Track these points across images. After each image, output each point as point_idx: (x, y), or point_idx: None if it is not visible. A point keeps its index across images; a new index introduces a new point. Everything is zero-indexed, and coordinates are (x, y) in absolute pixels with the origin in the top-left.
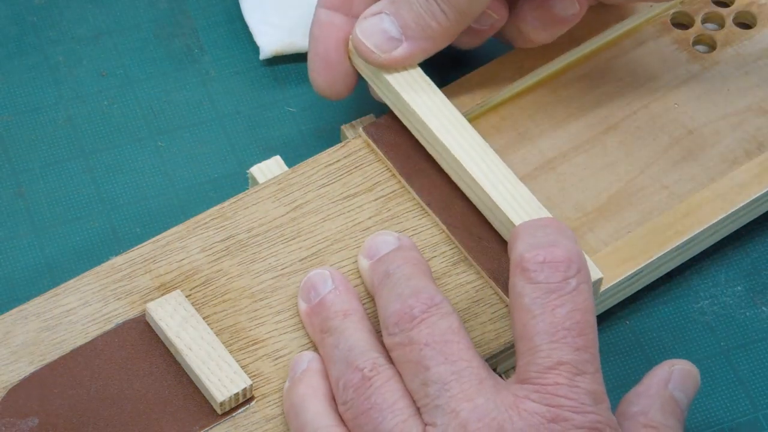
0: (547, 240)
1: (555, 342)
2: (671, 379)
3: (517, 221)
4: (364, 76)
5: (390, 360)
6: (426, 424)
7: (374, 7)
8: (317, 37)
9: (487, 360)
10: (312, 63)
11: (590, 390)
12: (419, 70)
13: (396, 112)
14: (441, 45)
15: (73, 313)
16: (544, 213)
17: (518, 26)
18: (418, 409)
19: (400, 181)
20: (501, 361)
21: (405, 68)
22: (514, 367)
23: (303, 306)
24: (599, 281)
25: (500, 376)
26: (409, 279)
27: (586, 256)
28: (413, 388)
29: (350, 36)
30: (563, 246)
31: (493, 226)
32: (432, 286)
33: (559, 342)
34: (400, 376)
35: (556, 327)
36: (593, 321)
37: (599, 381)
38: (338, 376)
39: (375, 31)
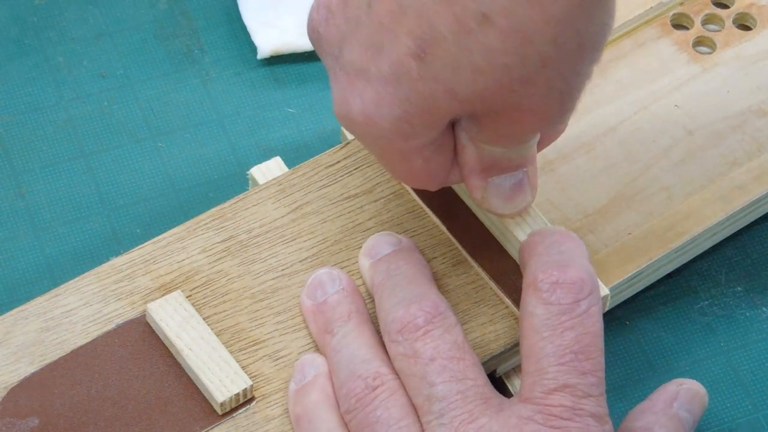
0: (561, 258)
1: (562, 365)
2: (678, 397)
3: (518, 233)
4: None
5: (392, 367)
6: None
7: (488, 171)
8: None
9: (487, 361)
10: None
11: (594, 413)
12: None
13: None
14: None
15: (74, 313)
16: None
17: None
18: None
19: (400, 183)
20: (501, 362)
21: None
22: (514, 369)
23: (308, 303)
24: (606, 297)
25: (500, 378)
26: (410, 282)
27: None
28: (417, 402)
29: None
30: (577, 266)
31: (494, 235)
32: (435, 292)
33: (567, 365)
34: (404, 387)
35: (564, 350)
36: (601, 344)
37: (603, 404)
38: (341, 384)
39: (511, 195)
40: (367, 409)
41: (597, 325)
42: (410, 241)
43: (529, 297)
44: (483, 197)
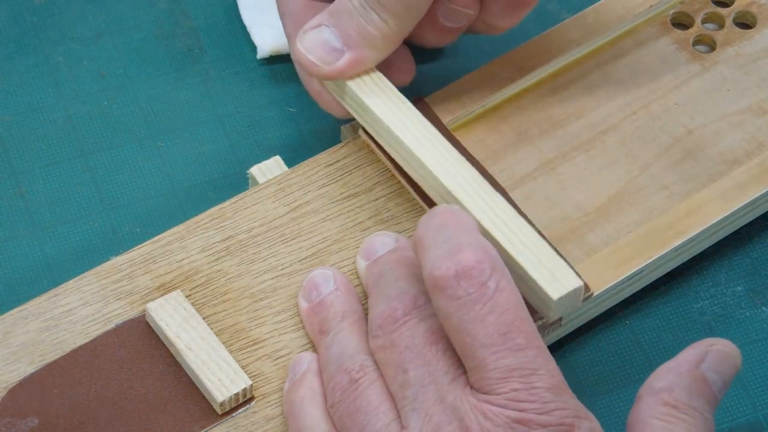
0: (450, 245)
1: (497, 352)
2: (706, 359)
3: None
4: (332, 92)
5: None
6: (403, 428)
7: (314, 20)
8: (300, 69)
9: None
10: (313, 96)
11: (548, 386)
12: (379, 74)
13: (361, 122)
14: (386, 51)
15: (73, 313)
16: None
17: (482, 17)
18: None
19: (399, 182)
20: None
21: (360, 76)
22: None
23: (304, 305)
24: (580, 289)
25: None
26: (397, 280)
27: (575, 267)
28: (393, 389)
29: (292, 51)
30: (469, 248)
31: None
32: (417, 287)
33: (501, 350)
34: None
35: (492, 337)
36: (526, 313)
37: (554, 372)
38: (329, 378)
39: (316, 43)
40: (348, 399)
41: (512, 297)
42: (407, 240)
43: (437, 300)
44: (307, 29)
